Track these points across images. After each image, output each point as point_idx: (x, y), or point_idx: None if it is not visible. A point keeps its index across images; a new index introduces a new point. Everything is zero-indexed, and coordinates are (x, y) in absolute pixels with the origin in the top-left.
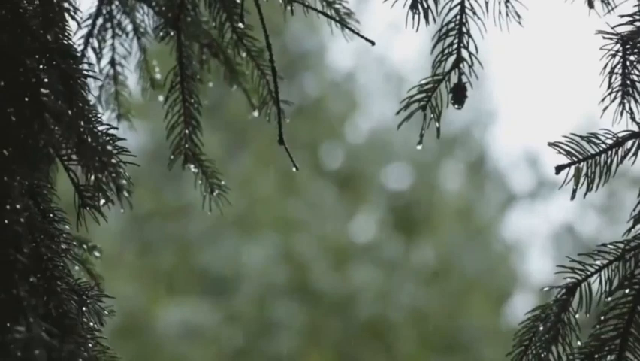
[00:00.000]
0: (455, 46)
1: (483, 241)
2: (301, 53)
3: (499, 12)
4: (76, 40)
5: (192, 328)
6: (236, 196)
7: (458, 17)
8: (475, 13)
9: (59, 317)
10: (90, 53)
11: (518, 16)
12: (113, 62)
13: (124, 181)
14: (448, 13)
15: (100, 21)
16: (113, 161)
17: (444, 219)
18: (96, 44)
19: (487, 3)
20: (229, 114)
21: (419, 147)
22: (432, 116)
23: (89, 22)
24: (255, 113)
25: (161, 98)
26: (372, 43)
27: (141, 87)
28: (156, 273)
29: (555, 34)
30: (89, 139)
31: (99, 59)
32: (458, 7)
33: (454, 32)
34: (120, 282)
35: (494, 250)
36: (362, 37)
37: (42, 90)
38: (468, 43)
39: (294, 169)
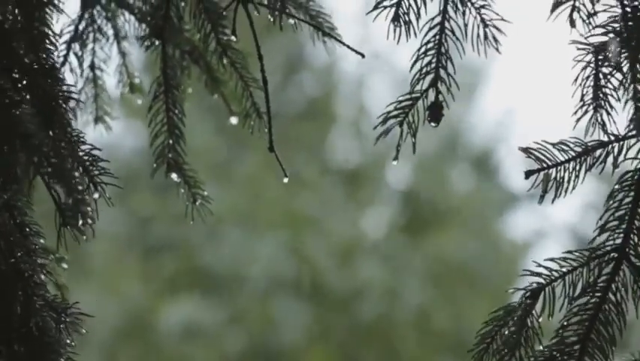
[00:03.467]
0: (433, 65)
1: (489, 241)
2: (307, 54)
3: (478, 35)
4: (59, 45)
5: (196, 328)
6: (242, 195)
7: (437, 37)
8: (454, 34)
9: (40, 334)
10: (72, 58)
11: (496, 41)
12: (92, 66)
13: (88, 208)
14: (427, 32)
15: (82, 26)
16: (80, 188)
17: (451, 220)
18: (78, 50)
19: (465, 25)
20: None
21: (395, 163)
22: (408, 131)
23: (72, 27)
24: (234, 120)
25: (140, 102)
26: (362, 56)
27: (120, 91)
28: (160, 273)
29: (554, 35)
30: (58, 162)
31: (81, 64)
32: (437, 27)
33: (432, 52)
34: (124, 283)
35: (500, 251)
36: (351, 49)
37: (15, 112)
38: (446, 63)
39: (285, 180)
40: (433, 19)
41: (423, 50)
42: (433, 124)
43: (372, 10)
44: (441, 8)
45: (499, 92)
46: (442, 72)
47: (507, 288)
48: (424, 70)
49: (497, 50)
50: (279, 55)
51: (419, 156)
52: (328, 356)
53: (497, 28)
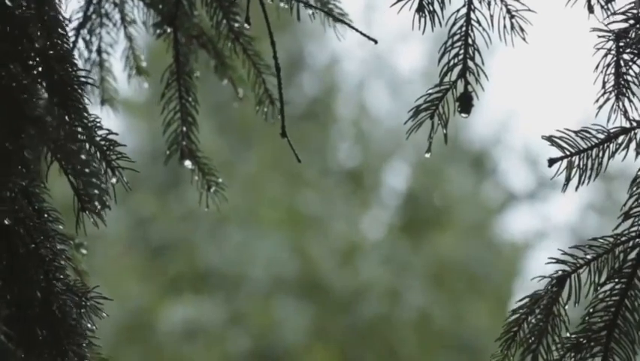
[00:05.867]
0: (461, 57)
1: (489, 241)
2: (308, 54)
3: (504, 26)
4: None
5: (197, 328)
6: (243, 195)
7: (464, 29)
8: (480, 24)
9: (63, 317)
10: (81, 44)
11: (522, 30)
12: (99, 50)
13: (96, 191)
14: (453, 25)
15: (89, 12)
16: (87, 171)
17: (450, 220)
18: (87, 35)
19: (492, 16)
20: (236, 113)
21: (428, 155)
22: (439, 123)
23: (80, 14)
24: (236, 105)
25: (146, 85)
26: (375, 42)
27: (127, 74)
28: (161, 273)
29: (554, 34)
30: (75, 149)
31: (90, 50)
32: (464, 18)
33: (459, 43)
34: (125, 283)
35: (500, 251)
36: (364, 35)
37: (22, 96)
38: (474, 54)
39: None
40: (458, 10)
41: (450, 42)
42: (463, 115)
43: (396, 3)
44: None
45: (498, 92)
46: (470, 63)
47: (508, 287)
48: (452, 62)
49: (524, 39)
50: (279, 55)
51: (419, 157)
52: (328, 356)
53: (523, 18)
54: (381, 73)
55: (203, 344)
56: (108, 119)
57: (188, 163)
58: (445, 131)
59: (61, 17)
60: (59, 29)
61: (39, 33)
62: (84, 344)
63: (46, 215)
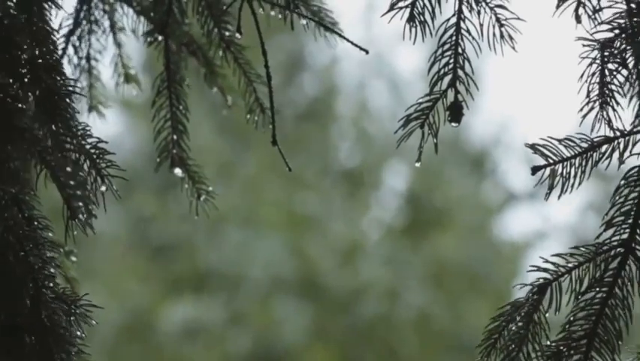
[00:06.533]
0: (451, 66)
1: (489, 242)
2: (308, 54)
3: (494, 34)
4: (58, 39)
5: (197, 328)
6: (243, 196)
7: (454, 38)
8: (470, 33)
9: (53, 326)
10: (70, 50)
11: (512, 39)
12: (88, 57)
13: (79, 204)
14: (443, 34)
15: (80, 18)
16: (72, 183)
17: (450, 220)
18: (77, 42)
19: (481, 25)
20: (236, 115)
21: (418, 165)
22: (429, 132)
23: (70, 21)
24: (225, 112)
25: (135, 92)
26: (366, 52)
27: (115, 82)
28: (161, 273)
29: (551, 36)
30: (61, 159)
31: (78, 56)
32: (454, 28)
33: (449, 53)
34: (125, 283)
35: (500, 251)
36: (354, 44)
37: (15, 107)
38: (464, 63)
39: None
40: (448, 20)
41: (440, 51)
42: (454, 124)
43: (387, 12)
44: (456, 9)
45: (498, 92)
46: (460, 72)
47: (508, 287)
48: (442, 71)
49: (513, 48)
50: (279, 55)
51: (423, 156)
52: (328, 356)
53: (513, 27)
54: (381, 73)
55: (203, 344)
56: (107, 122)
57: (178, 171)
58: (435, 140)
59: (49, 27)
60: (48, 39)
61: (27, 42)
62: (73, 352)
63: (36, 223)
